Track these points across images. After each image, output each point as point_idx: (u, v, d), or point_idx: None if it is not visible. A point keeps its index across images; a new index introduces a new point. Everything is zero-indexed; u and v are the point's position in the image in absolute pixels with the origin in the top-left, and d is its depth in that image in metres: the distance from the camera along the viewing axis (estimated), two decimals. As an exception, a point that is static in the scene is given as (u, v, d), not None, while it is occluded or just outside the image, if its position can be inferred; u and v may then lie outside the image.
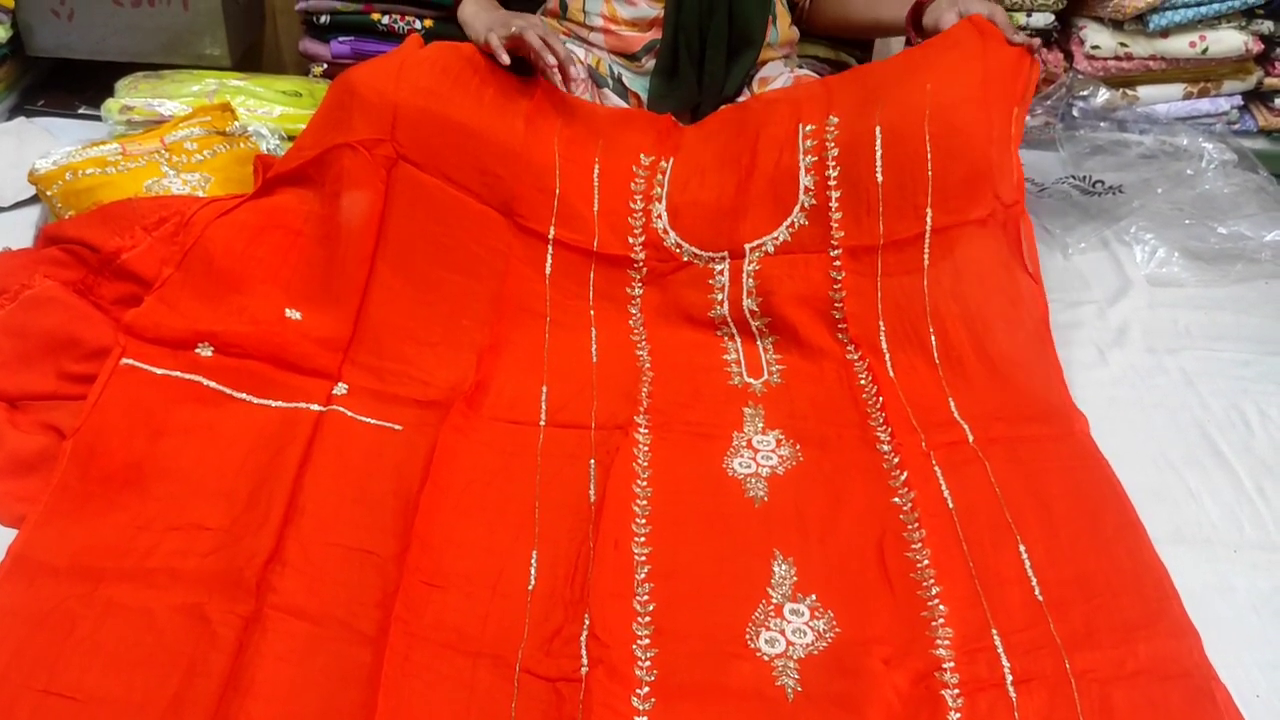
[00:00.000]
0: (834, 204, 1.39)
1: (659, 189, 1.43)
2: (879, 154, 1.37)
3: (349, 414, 1.22)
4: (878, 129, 1.38)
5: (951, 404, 1.28)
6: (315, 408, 1.22)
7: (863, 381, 1.31)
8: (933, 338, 1.34)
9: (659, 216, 1.42)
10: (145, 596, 1.02)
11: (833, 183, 1.39)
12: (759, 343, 1.39)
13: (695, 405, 1.29)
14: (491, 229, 1.37)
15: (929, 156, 1.35)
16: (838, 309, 1.38)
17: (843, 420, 1.28)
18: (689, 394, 1.31)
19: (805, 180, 1.40)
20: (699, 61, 1.55)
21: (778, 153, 1.42)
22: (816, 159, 1.40)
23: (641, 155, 1.47)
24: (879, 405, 1.27)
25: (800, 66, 1.72)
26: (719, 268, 1.41)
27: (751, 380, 1.33)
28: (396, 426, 1.22)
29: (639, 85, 1.61)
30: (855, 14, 1.64)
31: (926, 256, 1.37)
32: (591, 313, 1.40)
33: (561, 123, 1.45)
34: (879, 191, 1.36)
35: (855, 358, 1.34)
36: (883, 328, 1.36)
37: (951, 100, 1.37)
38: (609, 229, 1.43)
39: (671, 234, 1.42)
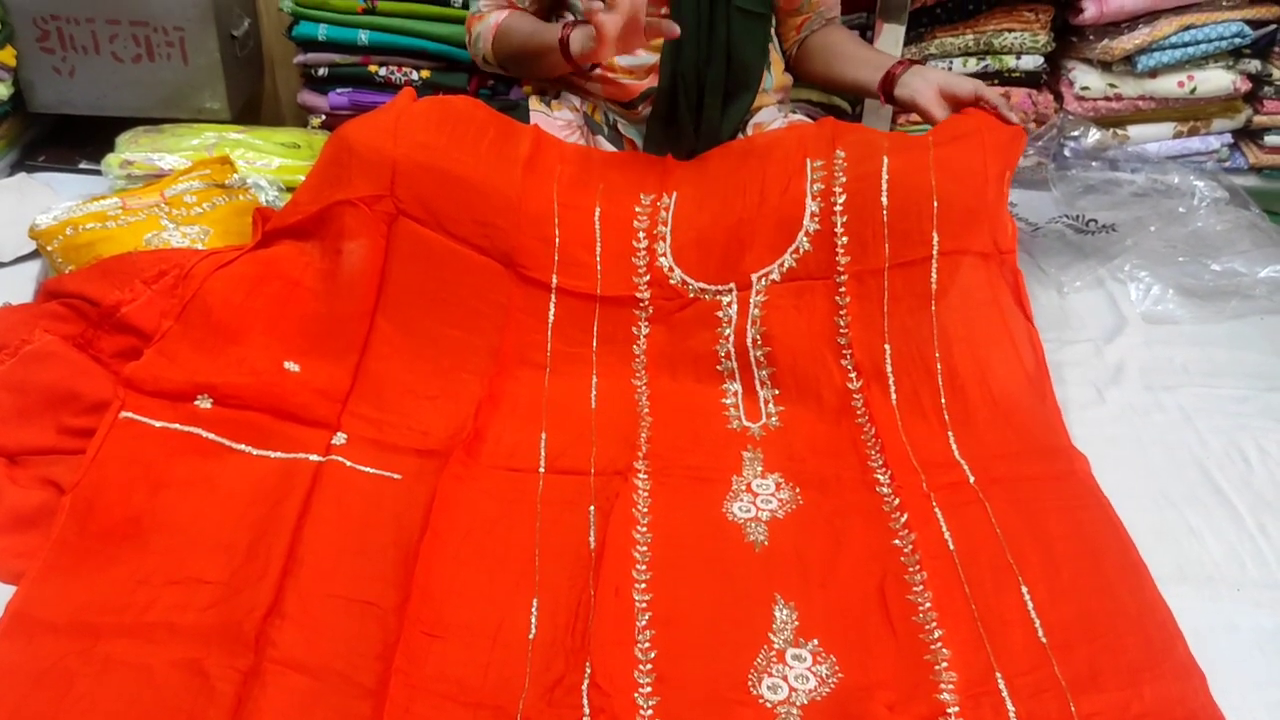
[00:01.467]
0: (840, 229, 1.37)
1: (662, 226, 1.42)
2: (885, 184, 1.36)
3: (348, 463, 1.19)
4: (885, 161, 1.38)
5: (952, 441, 1.25)
6: (314, 458, 1.19)
7: (861, 421, 1.28)
8: (938, 364, 1.31)
9: (663, 254, 1.40)
10: (143, 652, 1.00)
11: (839, 209, 1.37)
12: (758, 382, 1.35)
13: (694, 450, 1.26)
14: (492, 281, 1.36)
15: (933, 187, 1.35)
16: (843, 335, 1.34)
17: (842, 462, 1.24)
18: (688, 439, 1.29)
19: (811, 206, 1.38)
20: (696, 107, 1.53)
21: (786, 181, 1.41)
22: (823, 188, 1.39)
23: (642, 195, 1.45)
24: (878, 446, 1.23)
25: (794, 111, 1.71)
26: (726, 300, 1.38)
27: (750, 424, 1.30)
28: (395, 475, 1.19)
29: (634, 132, 1.59)
30: (834, 73, 1.64)
31: (934, 279, 1.34)
32: (594, 358, 1.38)
33: (560, 169, 1.44)
34: (884, 216, 1.35)
35: (856, 387, 1.30)
36: (888, 351, 1.32)
37: (953, 151, 1.40)
38: (612, 271, 1.40)
39: (677, 270, 1.40)
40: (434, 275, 1.34)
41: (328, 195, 1.35)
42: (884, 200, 1.35)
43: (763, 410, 1.31)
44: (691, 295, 1.38)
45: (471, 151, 1.39)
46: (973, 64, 1.99)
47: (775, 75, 1.62)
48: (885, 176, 1.36)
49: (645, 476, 1.20)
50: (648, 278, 1.39)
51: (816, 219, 1.37)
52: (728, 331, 1.37)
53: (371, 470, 1.20)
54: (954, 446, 1.25)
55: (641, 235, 1.41)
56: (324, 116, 1.94)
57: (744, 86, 1.55)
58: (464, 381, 1.31)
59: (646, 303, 1.39)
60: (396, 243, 1.33)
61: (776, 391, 1.33)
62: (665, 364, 1.36)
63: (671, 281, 1.39)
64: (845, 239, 1.36)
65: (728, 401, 1.34)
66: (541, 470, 1.22)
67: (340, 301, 1.33)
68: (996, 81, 2.00)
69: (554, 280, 1.38)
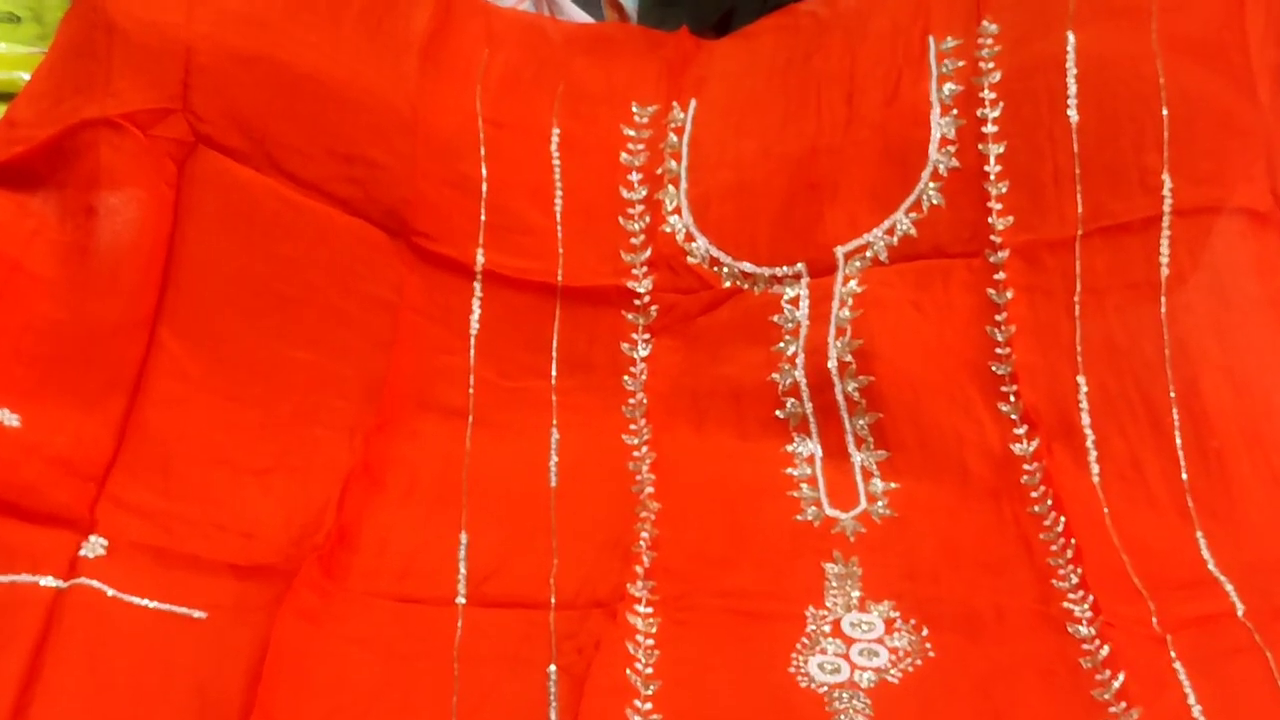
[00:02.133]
0: (993, 166, 1.04)
1: (673, 162, 1.11)
2: (1073, 81, 1.03)
3: (109, 591, 0.88)
4: (1070, 39, 1.03)
5: (1203, 544, 0.94)
6: (49, 582, 0.87)
7: (1038, 509, 0.95)
8: (1174, 408, 0.98)
9: (675, 211, 1.08)
10: None
11: (991, 131, 1.05)
12: (852, 437, 1.02)
13: (738, 561, 0.95)
14: (369, 260, 1.04)
15: (1161, 85, 1.01)
16: (1001, 358, 1.02)
17: (1005, 581, 0.92)
18: (725, 540, 0.97)
19: (942, 125, 1.06)
20: None
21: (893, 83, 1.09)
22: (962, 89, 1.07)
23: (636, 106, 1.13)
24: (1069, 553, 0.91)
25: None
26: (791, 292, 1.06)
27: (838, 513, 0.98)
28: (197, 613, 0.88)
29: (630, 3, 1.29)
30: None
31: (1166, 256, 1.00)
32: (553, 397, 1.05)
33: (487, 57, 1.12)
34: (1074, 143, 1.02)
35: (1027, 450, 0.99)
36: (1083, 388, 1.00)
37: (1193, 14, 1.05)
38: (584, 244, 1.10)
39: (700, 241, 1.08)
40: (263, 251, 1.03)
41: (73, 107, 1.02)
42: (1072, 113, 1.02)
43: (860, 488, 1.00)
44: (728, 285, 1.07)
45: (328, 28, 1.07)
46: None
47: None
48: (1073, 68, 1.02)
49: (649, 610, 0.91)
50: (648, 254, 1.08)
51: (952, 148, 1.05)
52: (793, 348, 1.04)
53: (152, 604, 0.89)
54: (1206, 552, 0.94)
55: (636, 178, 1.11)
56: None
57: None
58: (319, 443, 1.00)
59: (646, 299, 1.08)
60: (195, 193, 1.02)
61: (884, 454, 1.01)
62: (682, 406, 1.06)
63: (691, 261, 1.08)
64: (1004, 185, 1.03)
65: (796, 473, 1.01)
66: (460, 600, 0.93)
67: (94, 300, 0.99)
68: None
69: (479, 258, 1.06)
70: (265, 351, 1.01)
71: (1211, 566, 0.93)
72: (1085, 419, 1.00)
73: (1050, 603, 0.90)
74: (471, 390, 1.04)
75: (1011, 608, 0.90)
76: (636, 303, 1.09)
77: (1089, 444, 0.99)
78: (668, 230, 1.09)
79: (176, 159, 1.01)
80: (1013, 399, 1.02)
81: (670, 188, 1.10)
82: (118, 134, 1.00)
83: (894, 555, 0.95)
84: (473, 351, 1.05)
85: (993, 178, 1.05)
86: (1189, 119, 1.00)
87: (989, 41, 1.08)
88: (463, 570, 0.94)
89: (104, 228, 1.00)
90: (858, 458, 1.01)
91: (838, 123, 1.09)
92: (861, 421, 1.02)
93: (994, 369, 1.02)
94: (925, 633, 0.89)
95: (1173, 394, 0.98)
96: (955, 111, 1.07)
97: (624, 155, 1.12)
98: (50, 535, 0.89)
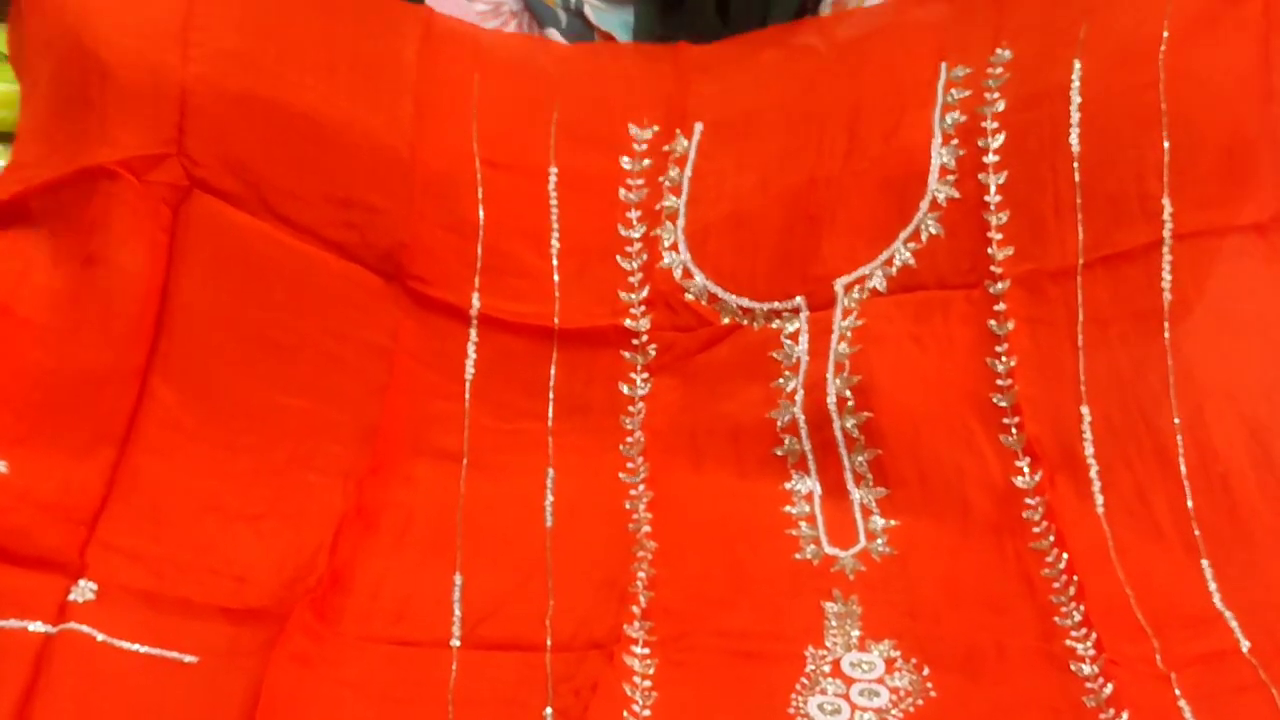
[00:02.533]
0: (993, 196, 1.01)
1: (671, 198, 1.06)
2: (1076, 110, 0.99)
3: (99, 636, 0.85)
4: (1077, 67, 0.99)
5: (1209, 574, 0.91)
6: (38, 628, 0.84)
7: (1040, 544, 0.92)
8: (1179, 436, 0.95)
9: (672, 247, 1.05)
10: None
11: (992, 161, 1.01)
12: (851, 474, 0.99)
13: (736, 601, 0.93)
14: (364, 305, 1.01)
15: (1163, 111, 0.98)
16: (1002, 390, 0.98)
17: (1007, 620, 0.90)
18: (723, 579, 0.94)
19: (943, 156, 1.02)
20: None
21: (897, 107, 1.04)
22: (966, 120, 1.02)
23: (634, 127, 1.08)
24: (1072, 590, 0.89)
25: None
26: (790, 326, 1.02)
27: (837, 551, 0.95)
28: (188, 658, 0.85)
29: (615, 22, 1.21)
30: None
31: (1168, 283, 0.97)
32: (549, 440, 1.01)
33: (479, 85, 1.07)
34: (1075, 173, 0.99)
35: (1030, 484, 0.95)
36: (1087, 418, 0.96)
37: (1202, 43, 1.01)
38: (581, 285, 1.05)
39: (698, 277, 1.04)
40: (257, 297, 0.99)
41: (68, 156, 0.99)
42: (1074, 142, 0.99)
43: (859, 525, 0.97)
44: (726, 321, 1.04)
45: (323, 69, 1.02)
46: None
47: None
48: (1076, 96, 0.99)
49: (646, 651, 0.89)
50: (645, 292, 1.04)
51: (952, 178, 1.02)
52: (793, 384, 1.00)
53: (143, 649, 0.86)
54: (1213, 584, 0.91)
55: (635, 215, 1.06)
56: None
57: None
58: (312, 488, 0.97)
59: (644, 338, 1.04)
60: (190, 238, 0.98)
61: (883, 491, 0.98)
62: (680, 444, 1.02)
63: (689, 297, 1.04)
64: (1004, 215, 1.00)
65: (794, 511, 0.98)
66: (455, 643, 0.90)
67: (86, 349, 0.96)
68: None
69: (475, 303, 1.02)
70: (259, 399, 0.98)
71: (1217, 600, 0.90)
72: (1089, 449, 0.97)
73: (1053, 640, 0.87)
74: (466, 434, 1.01)
75: (1013, 646, 0.87)
76: (635, 342, 1.05)
77: (1092, 475, 0.96)
78: (664, 266, 1.05)
79: (171, 204, 0.98)
80: (1014, 431, 0.98)
81: (668, 223, 1.07)
82: (114, 182, 0.97)
83: (894, 593, 0.92)
84: (468, 396, 1.02)
85: (993, 207, 1.02)
86: (1191, 148, 0.97)
87: (999, 70, 1.04)
88: (458, 612, 0.92)
89: (98, 276, 0.96)
90: (857, 495, 0.98)
91: (837, 153, 1.05)
92: (860, 458, 0.99)
93: (995, 400, 0.99)
94: (926, 672, 0.87)
95: (1177, 421, 0.95)
96: (956, 141, 1.04)
97: (623, 191, 1.08)
98: (39, 579, 0.87)
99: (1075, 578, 0.89)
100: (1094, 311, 0.99)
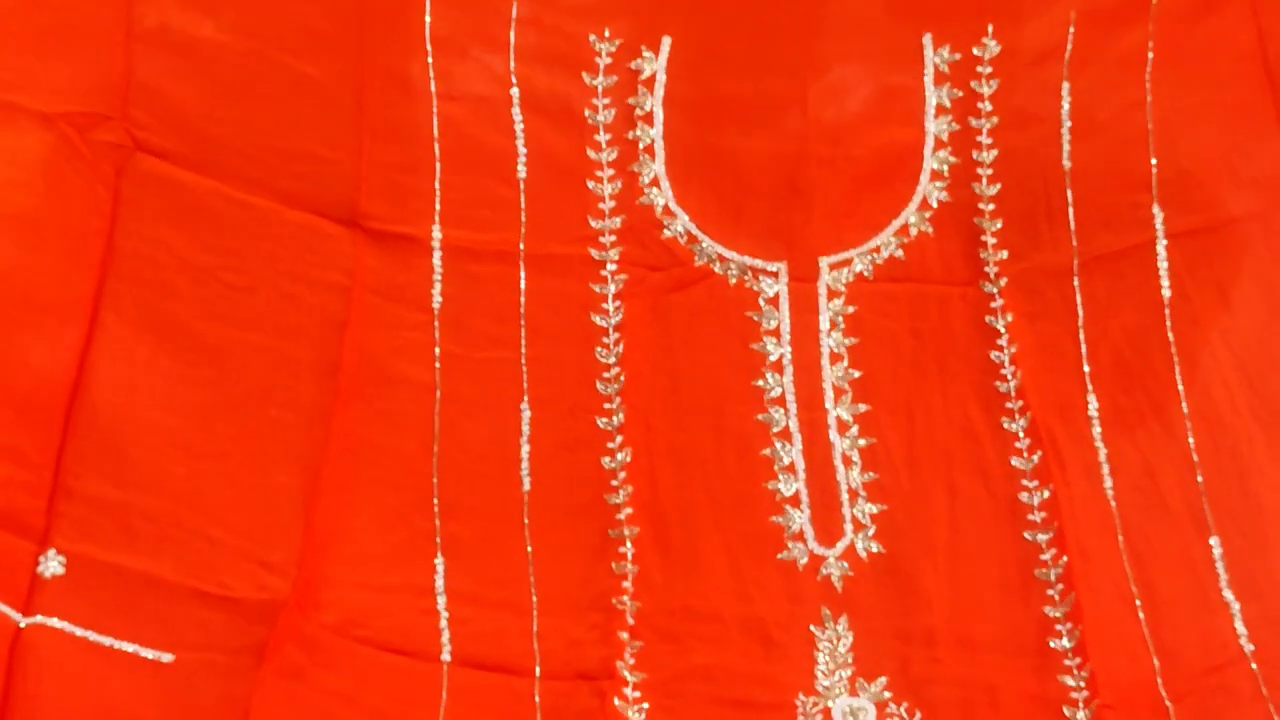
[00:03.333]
0: (986, 205, 1.00)
1: (645, 128, 1.01)
2: (1067, 131, 1.00)
3: (71, 629, 0.79)
4: (1065, 90, 1.01)
5: (1219, 559, 0.89)
6: (8, 613, 0.78)
7: (1038, 537, 0.90)
8: (1187, 416, 0.94)
9: (653, 183, 1.00)
10: None
11: (985, 174, 1.01)
12: (838, 456, 0.95)
13: (724, 622, 0.91)
14: (318, 248, 0.96)
15: (1150, 133, 0.99)
16: (1004, 377, 0.97)
17: (1001, 656, 0.87)
18: (709, 570, 0.92)
19: (935, 163, 1.01)
20: None
21: (878, 82, 1.02)
22: (959, 130, 1.02)
23: (595, 39, 1.01)
24: (1069, 597, 0.88)
25: None
26: (770, 291, 0.99)
27: (824, 550, 0.92)
28: (165, 656, 0.80)
29: None
30: None
31: (1166, 279, 0.97)
32: (524, 370, 0.96)
33: (431, 5, 1.00)
34: (1066, 188, 1.00)
35: (1027, 468, 0.93)
36: (1093, 404, 0.96)
37: (1189, 51, 1.01)
38: (550, 210, 0.99)
39: (681, 218, 0.99)
40: (207, 245, 0.94)
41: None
42: (1066, 161, 1.00)
43: (846, 511, 0.93)
44: (700, 264, 1.00)
45: (263, 19, 0.96)
46: None
47: None
48: (1067, 120, 1.00)
49: (639, 695, 0.87)
50: (619, 221, 1.00)
51: (944, 183, 1.01)
52: (777, 353, 0.97)
53: (116, 644, 0.80)
54: (1221, 570, 0.90)
55: (604, 138, 1.01)
56: None
57: None
58: (275, 424, 0.91)
59: (613, 268, 1.00)
60: (134, 195, 0.92)
61: (873, 476, 0.95)
62: (660, 390, 0.98)
63: (666, 234, 0.99)
64: (998, 222, 1.00)
65: (781, 488, 0.94)
66: (445, 658, 0.87)
67: (30, 273, 0.88)
68: None
69: (436, 234, 0.98)
70: (213, 334, 0.92)
71: (1224, 587, 0.89)
72: (1096, 430, 0.95)
73: (1047, 680, 0.86)
74: (438, 364, 0.96)
75: (1006, 689, 0.86)
76: (602, 273, 1.00)
77: (1101, 458, 0.94)
78: (645, 202, 1.00)
79: (114, 162, 0.92)
80: (1018, 415, 0.96)
81: (645, 158, 1.01)
82: (50, 131, 0.89)
83: (885, 610, 0.89)
84: (437, 325, 0.97)
85: (986, 215, 1.01)
86: (1178, 163, 0.98)
87: (989, 52, 1.02)
88: (445, 616, 0.88)
89: (29, 204, 0.88)
90: (846, 485, 0.94)
91: (825, 132, 1.01)
92: (849, 443, 0.96)
93: (998, 387, 0.97)
94: (918, 717, 0.86)
95: (1185, 406, 0.95)
96: (949, 149, 1.02)
97: (588, 113, 1.01)
98: (7, 541, 0.81)
99: (1072, 591, 0.87)
100: (1093, 307, 0.98)
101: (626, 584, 0.89)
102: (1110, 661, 0.85)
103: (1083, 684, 0.85)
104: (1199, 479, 0.92)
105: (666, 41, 1.01)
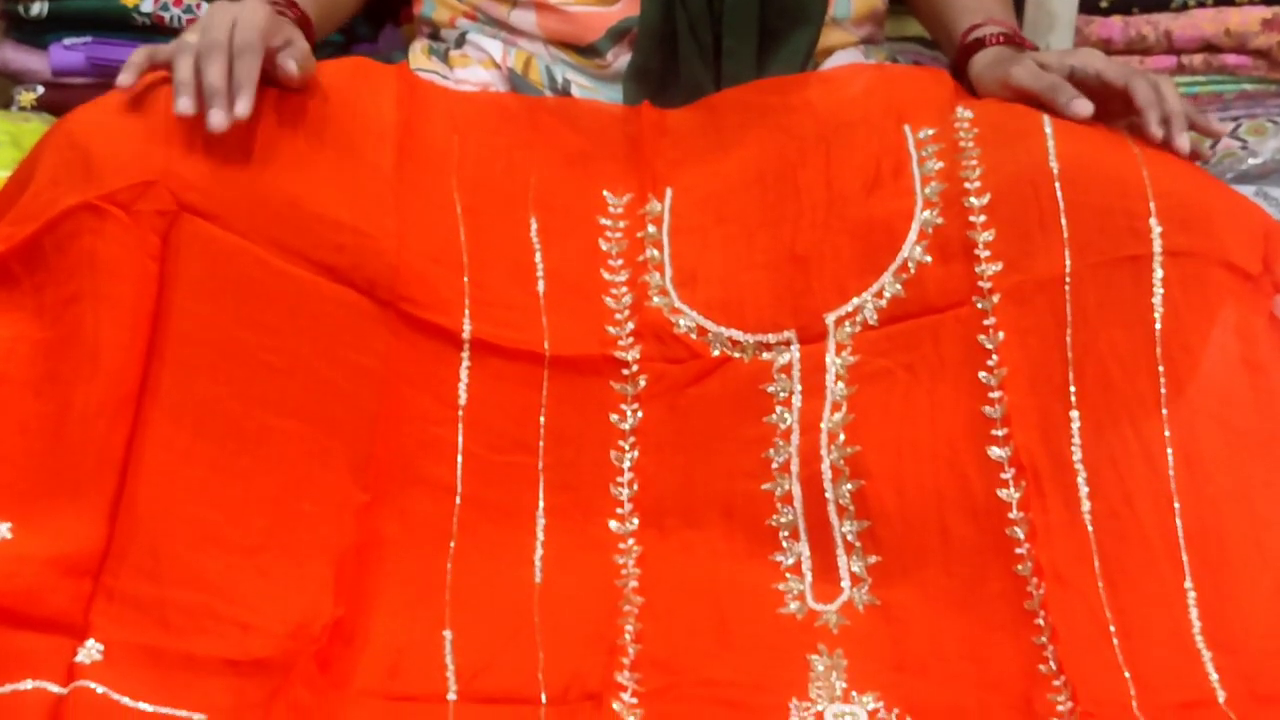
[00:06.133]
0: (978, 217, 0.98)
1: (654, 251, 1.04)
2: (1050, 136, 0.97)
3: (110, 694, 0.81)
4: (1046, 119, 0.98)
5: (1192, 605, 0.87)
6: (50, 688, 0.80)
7: (1025, 569, 0.89)
8: (1169, 451, 0.90)
9: (660, 290, 1.02)
10: None
11: (974, 185, 0.99)
12: (841, 542, 0.95)
13: (722, 654, 0.90)
14: (355, 328, 0.95)
15: (1147, 180, 0.94)
16: (993, 401, 0.94)
17: (990, 673, 0.87)
18: (710, 634, 0.92)
19: (926, 191, 1.00)
20: (713, 54, 1.12)
21: (871, 166, 1.02)
22: (944, 167, 1.01)
23: (609, 194, 1.07)
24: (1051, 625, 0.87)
25: (894, 57, 1.25)
26: (782, 360, 0.99)
27: (820, 606, 0.92)
28: (197, 716, 0.82)
29: (605, 99, 1.17)
30: (934, 12, 1.23)
31: (1159, 297, 0.92)
32: (540, 478, 0.97)
33: (457, 147, 1.06)
34: (1056, 190, 0.95)
35: (1013, 499, 0.91)
36: (1076, 423, 0.92)
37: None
38: (569, 320, 1.01)
39: (687, 313, 1.01)
40: (248, 319, 0.93)
41: (49, 201, 0.92)
42: (1053, 164, 0.96)
43: (844, 577, 0.94)
44: (717, 354, 1.00)
45: (306, 127, 0.98)
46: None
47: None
48: (1049, 126, 0.97)
49: (635, 702, 0.87)
50: (633, 326, 1.02)
51: (937, 209, 0.99)
52: (788, 420, 0.97)
53: (151, 708, 0.82)
54: (1195, 617, 0.88)
55: (618, 263, 1.05)
56: (41, 88, 1.42)
57: (797, 16, 1.13)
58: (308, 520, 0.92)
59: (634, 368, 1.01)
60: (180, 263, 0.92)
61: (866, 524, 0.95)
62: (672, 491, 0.98)
63: (678, 331, 1.01)
64: (990, 233, 0.97)
65: (783, 559, 0.95)
66: (451, 697, 0.88)
67: (77, 387, 0.89)
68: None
69: (466, 326, 0.98)
70: (252, 421, 0.92)
71: (1197, 636, 0.86)
72: (1077, 454, 0.92)
73: (1035, 697, 0.84)
74: (460, 463, 0.97)
75: (995, 705, 0.85)
76: (625, 372, 1.01)
77: (1080, 480, 0.91)
78: (653, 306, 1.03)
79: (159, 231, 0.92)
80: (1003, 442, 0.94)
81: (654, 273, 1.04)
82: (99, 218, 0.90)
83: (878, 647, 0.89)
84: (460, 423, 0.98)
85: (978, 226, 0.98)
86: (1174, 204, 0.94)
87: (964, 124, 1.02)
88: (451, 666, 0.89)
89: (84, 311, 0.90)
90: (846, 560, 0.94)
91: (816, 209, 1.03)
92: (850, 527, 0.95)
93: (985, 412, 0.95)
94: None
95: (1168, 433, 0.91)
96: (941, 183, 1.01)
97: (603, 243, 1.06)
98: (47, 641, 0.83)
99: (1050, 616, 0.86)
100: (1082, 319, 0.94)
101: (628, 632, 0.90)
102: (1087, 677, 0.85)
103: (1066, 699, 0.84)
104: (1177, 522, 0.89)
105: (669, 192, 1.06)
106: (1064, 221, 0.94)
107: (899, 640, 0.89)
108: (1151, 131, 0.94)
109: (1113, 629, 0.86)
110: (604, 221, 1.05)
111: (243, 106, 0.90)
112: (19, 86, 1.46)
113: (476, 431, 0.97)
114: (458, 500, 0.95)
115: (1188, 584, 0.86)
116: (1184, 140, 0.96)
